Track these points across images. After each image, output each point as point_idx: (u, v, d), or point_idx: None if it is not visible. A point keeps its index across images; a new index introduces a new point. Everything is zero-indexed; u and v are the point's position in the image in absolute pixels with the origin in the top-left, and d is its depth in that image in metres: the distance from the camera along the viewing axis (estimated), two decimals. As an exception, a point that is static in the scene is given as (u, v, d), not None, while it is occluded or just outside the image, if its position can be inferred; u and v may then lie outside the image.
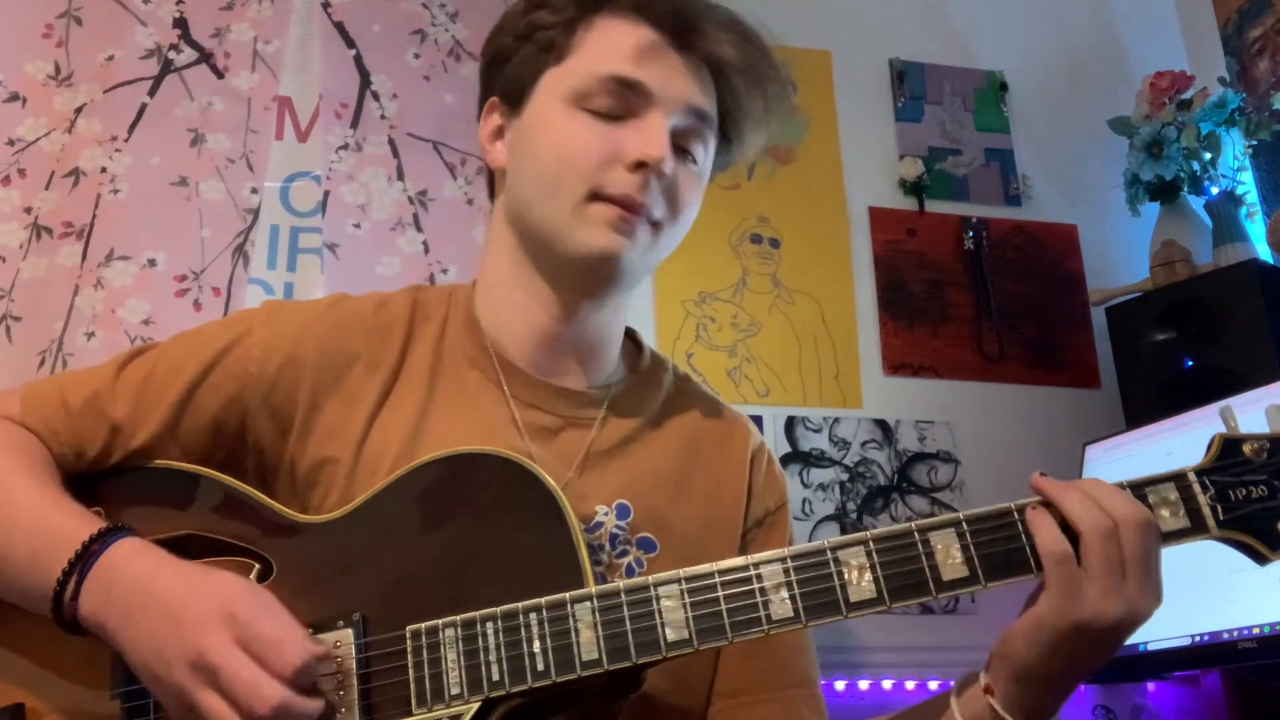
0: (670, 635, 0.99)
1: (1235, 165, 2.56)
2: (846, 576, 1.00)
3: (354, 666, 1.03)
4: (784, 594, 1.00)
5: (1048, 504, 1.00)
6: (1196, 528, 1.00)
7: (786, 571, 1.00)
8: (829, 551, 1.00)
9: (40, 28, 2.28)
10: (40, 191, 2.19)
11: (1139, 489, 1.01)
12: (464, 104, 2.47)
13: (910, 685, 2.30)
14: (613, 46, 1.20)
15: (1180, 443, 2.05)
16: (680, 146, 1.22)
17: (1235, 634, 1.85)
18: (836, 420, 2.51)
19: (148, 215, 2.22)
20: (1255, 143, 2.54)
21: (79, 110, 2.25)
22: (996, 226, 2.75)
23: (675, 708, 1.21)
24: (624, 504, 1.23)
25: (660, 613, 1.00)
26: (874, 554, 1.00)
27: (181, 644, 0.96)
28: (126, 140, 2.25)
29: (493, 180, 1.36)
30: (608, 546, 1.20)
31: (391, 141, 2.41)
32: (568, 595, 1.01)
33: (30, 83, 2.24)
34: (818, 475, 2.45)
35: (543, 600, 1.01)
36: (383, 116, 2.42)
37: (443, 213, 2.39)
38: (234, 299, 2.22)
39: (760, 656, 1.24)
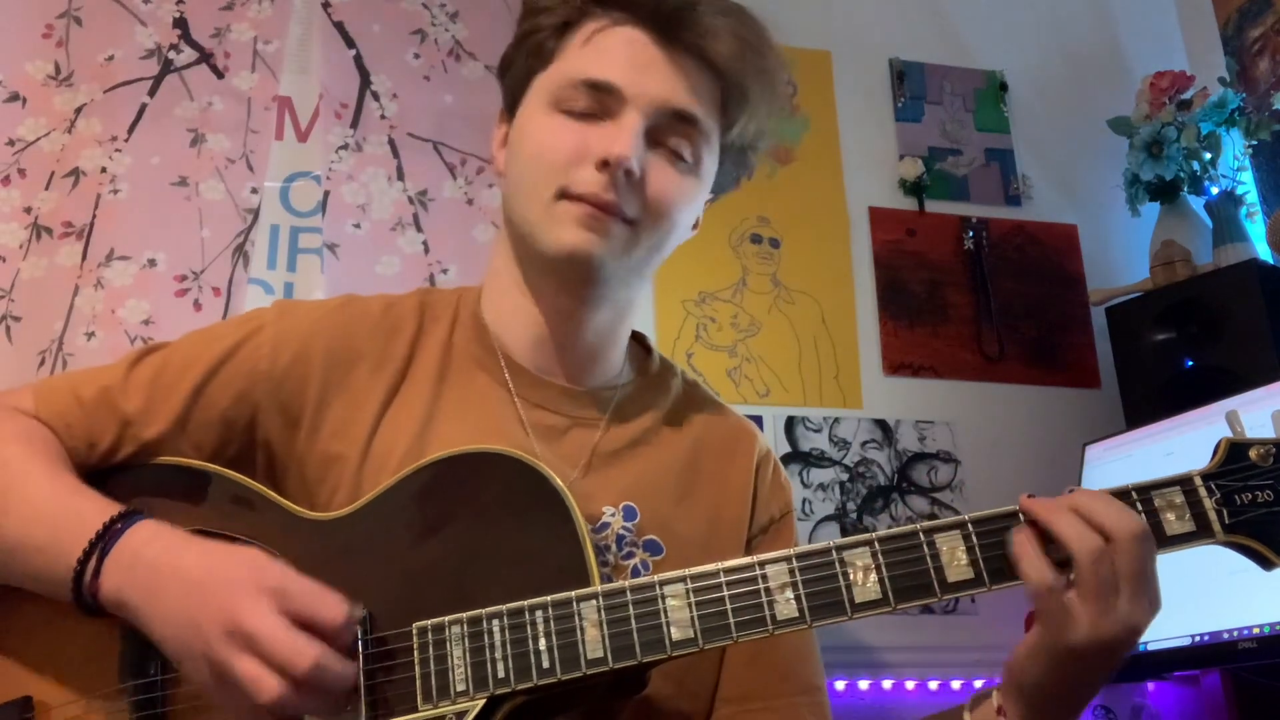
0: (675, 634, 0.99)
1: (1235, 165, 2.57)
2: (852, 577, 1.00)
3: (361, 663, 1.03)
4: (789, 594, 1.00)
5: (1033, 522, 0.99)
6: (1202, 532, 0.99)
7: (792, 572, 1.00)
8: (834, 552, 1.01)
9: (40, 28, 2.28)
10: (40, 191, 2.19)
11: (1145, 493, 1.01)
12: (464, 104, 2.47)
13: (910, 685, 2.30)
14: (593, 48, 1.21)
15: (1180, 443, 2.06)
16: (663, 145, 1.21)
17: (1235, 634, 1.85)
18: (836, 420, 2.51)
19: (148, 215, 2.22)
20: (1255, 143, 2.54)
21: (79, 110, 2.25)
22: (996, 226, 2.75)
23: (677, 712, 1.21)
24: (630, 506, 1.23)
25: (665, 612, 1.00)
26: (879, 555, 1.00)
27: (214, 611, 0.96)
28: (126, 140, 2.25)
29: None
30: (614, 548, 1.21)
31: (391, 141, 2.41)
32: (573, 593, 1.01)
33: (30, 83, 2.24)
34: (818, 475, 2.45)
35: (548, 598, 1.01)
36: (383, 116, 2.42)
37: (443, 213, 2.39)
38: (234, 299, 2.22)
39: (764, 663, 1.25)
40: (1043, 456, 2.50)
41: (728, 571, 1.01)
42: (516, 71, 1.27)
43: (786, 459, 2.43)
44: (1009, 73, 2.89)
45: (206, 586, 0.98)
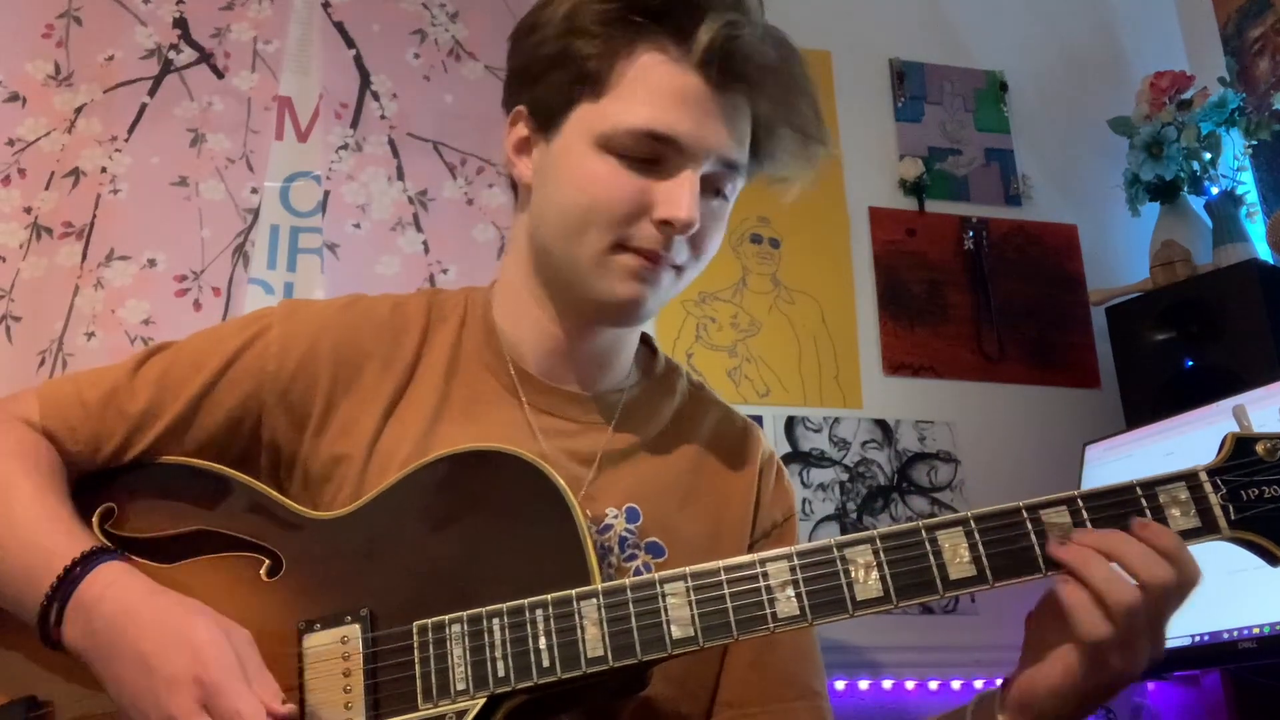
0: (676, 633, 0.99)
1: (1235, 165, 2.57)
2: (853, 575, 1.00)
3: (361, 661, 1.04)
4: (790, 592, 1.00)
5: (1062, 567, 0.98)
6: (1208, 528, 0.99)
7: (793, 570, 1.00)
8: (835, 550, 1.00)
9: (40, 28, 2.28)
10: (40, 191, 2.19)
11: (1149, 488, 1.00)
12: (464, 104, 2.47)
13: (910, 685, 2.30)
14: (650, 92, 1.15)
15: (1180, 443, 2.06)
16: (710, 188, 1.20)
17: (1235, 634, 1.85)
18: (836, 420, 2.51)
19: (148, 215, 2.22)
20: (1255, 143, 2.54)
21: (79, 110, 2.25)
22: (996, 226, 2.75)
23: (677, 713, 1.21)
24: (633, 508, 1.23)
25: (666, 610, 1.00)
26: (881, 553, 1.00)
27: (155, 702, 0.97)
28: (126, 140, 2.25)
29: (515, 185, 1.32)
30: (616, 549, 1.21)
31: (391, 141, 2.41)
32: (574, 592, 1.01)
33: (30, 83, 2.24)
34: (818, 475, 2.45)
35: (549, 597, 1.02)
36: (383, 116, 2.42)
37: (443, 213, 2.39)
38: (234, 299, 2.22)
39: (765, 667, 1.25)
40: (1043, 456, 2.50)
41: (728, 570, 1.01)
42: (553, 90, 1.20)
43: (786, 459, 2.43)
44: (1009, 73, 2.89)
45: (152, 670, 0.98)
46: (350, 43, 2.44)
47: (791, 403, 2.49)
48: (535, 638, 1.00)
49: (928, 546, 1.00)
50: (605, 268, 1.17)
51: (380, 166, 2.39)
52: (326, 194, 2.32)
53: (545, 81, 1.21)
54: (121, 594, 1.03)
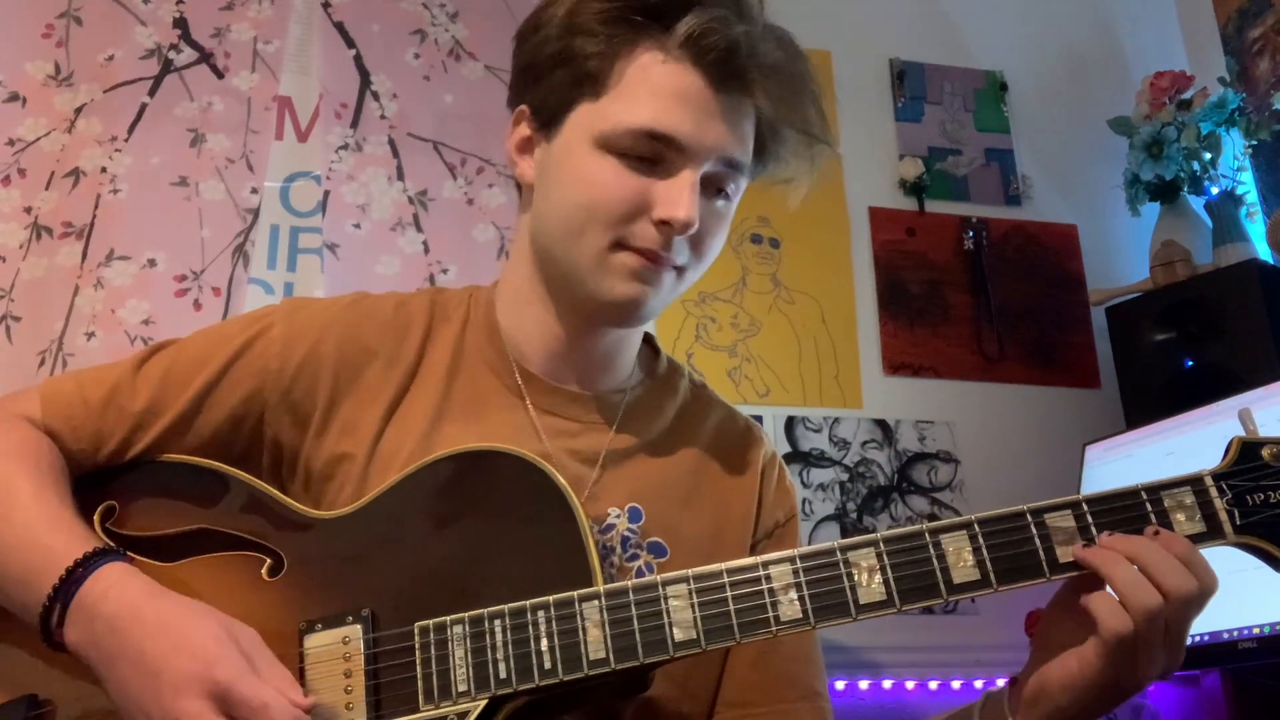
0: (678, 635, 0.99)
1: (1235, 165, 2.56)
2: (856, 578, 1.00)
3: (363, 662, 1.03)
4: (793, 595, 1.00)
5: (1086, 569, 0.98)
6: (1213, 533, 0.99)
7: (796, 572, 1.00)
8: (839, 552, 1.00)
9: (40, 28, 2.28)
10: (40, 191, 2.19)
11: (1154, 493, 1.00)
12: (464, 104, 2.47)
13: (910, 685, 2.30)
14: (651, 91, 1.15)
15: (1181, 443, 2.05)
16: (711, 187, 1.20)
17: (1235, 634, 1.85)
18: (836, 420, 2.51)
19: (148, 215, 2.21)
20: (1255, 143, 2.54)
21: (79, 110, 2.25)
22: (996, 226, 2.75)
23: (679, 714, 1.21)
24: (636, 508, 1.23)
25: (668, 612, 1.00)
26: (884, 555, 1.00)
27: (160, 706, 0.96)
28: (126, 140, 2.25)
29: (519, 185, 1.32)
30: (619, 549, 1.21)
31: (391, 141, 2.41)
32: (576, 594, 1.01)
33: (30, 83, 2.24)
34: (818, 475, 2.45)
35: (551, 598, 1.02)
36: (383, 116, 2.42)
37: (443, 213, 2.39)
38: (234, 299, 2.21)
39: (767, 667, 1.25)
40: (1043, 456, 2.50)
41: (731, 572, 1.01)
42: (555, 89, 1.20)
43: (786, 459, 2.42)
44: (1009, 73, 2.89)
45: (157, 673, 0.97)
46: (350, 43, 2.44)
47: (791, 403, 2.49)
48: (537, 639, 1.00)
49: (931, 550, 1.00)
50: (605, 267, 1.17)
51: (380, 166, 2.39)
52: (326, 194, 2.32)
53: (547, 81, 1.21)
54: (124, 595, 1.03)
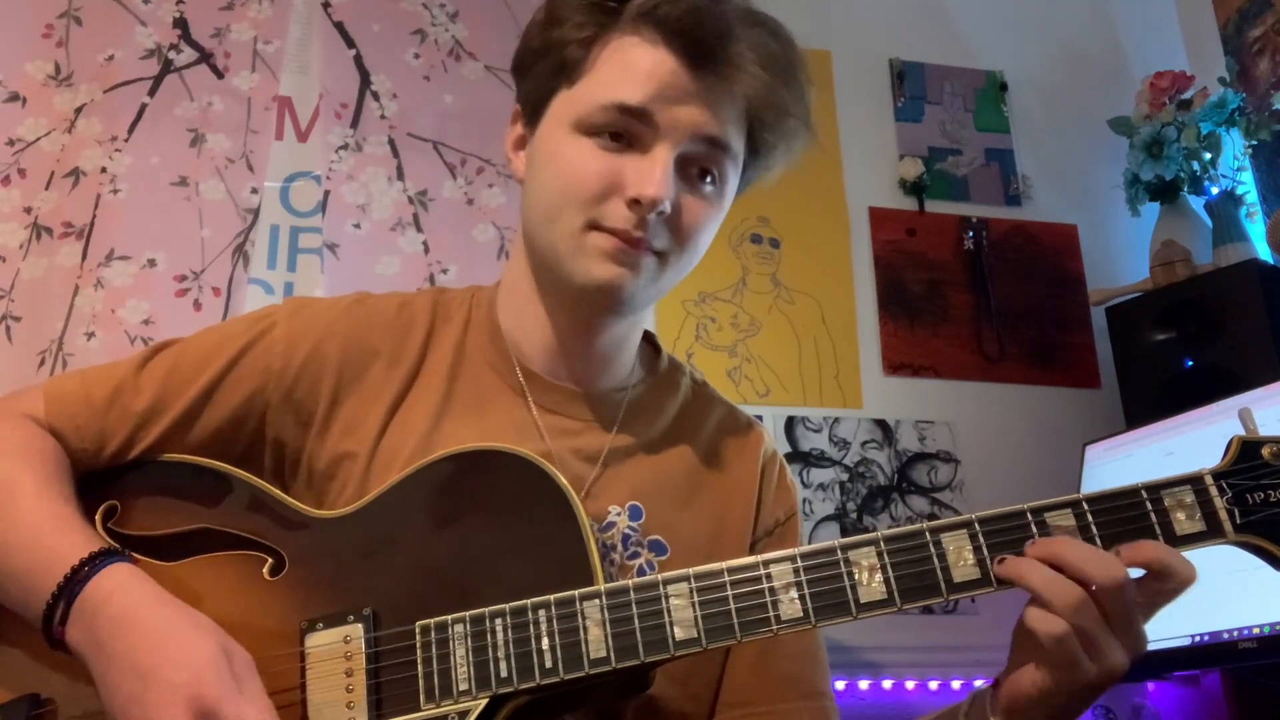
0: (679, 634, 0.99)
1: (1235, 165, 2.57)
2: (857, 577, 0.99)
3: (364, 661, 1.03)
4: (793, 594, 1.00)
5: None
6: (1213, 532, 0.98)
7: (796, 571, 1.00)
8: (839, 551, 1.00)
9: (40, 28, 2.28)
10: (40, 191, 2.19)
11: (1154, 492, 1.00)
12: (464, 104, 2.47)
13: (910, 685, 2.30)
14: (623, 69, 1.16)
15: (1180, 443, 2.06)
16: (691, 170, 1.19)
17: (1235, 634, 1.85)
18: (836, 420, 2.51)
19: (148, 215, 2.22)
20: (1255, 143, 2.54)
21: (79, 110, 2.25)
22: (996, 226, 2.75)
23: (680, 713, 1.21)
24: (636, 505, 1.23)
25: (669, 611, 1.00)
26: (885, 554, 1.00)
27: (144, 714, 0.96)
28: (126, 140, 2.25)
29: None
30: (620, 547, 1.21)
31: (391, 141, 2.41)
32: (577, 593, 1.01)
33: (30, 83, 2.24)
34: (818, 475, 2.45)
35: (552, 597, 1.01)
36: (383, 116, 2.42)
37: (443, 213, 2.39)
38: (234, 299, 2.22)
39: (768, 667, 1.24)
40: (1043, 456, 2.50)
41: (732, 571, 1.01)
42: (537, 82, 1.22)
43: (787, 459, 2.41)
44: (1009, 73, 2.89)
45: (148, 681, 0.96)
46: (350, 43, 2.44)
47: (791, 403, 2.49)
48: (538, 638, 1.00)
49: (932, 549, 0.99)
50: (580, 250, 1.17)
51: (380, 166, 2.39)
52: (326, 194, 2.32)
53: (531, 75, 1.23)
54: (128, 599, 1.03)
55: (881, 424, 2.53)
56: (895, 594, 0.99)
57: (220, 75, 2.35)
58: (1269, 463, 0.99)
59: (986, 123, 2.84)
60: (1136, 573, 0.97)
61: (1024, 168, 2.83)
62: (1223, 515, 0.99)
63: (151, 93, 2.30)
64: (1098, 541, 0.99)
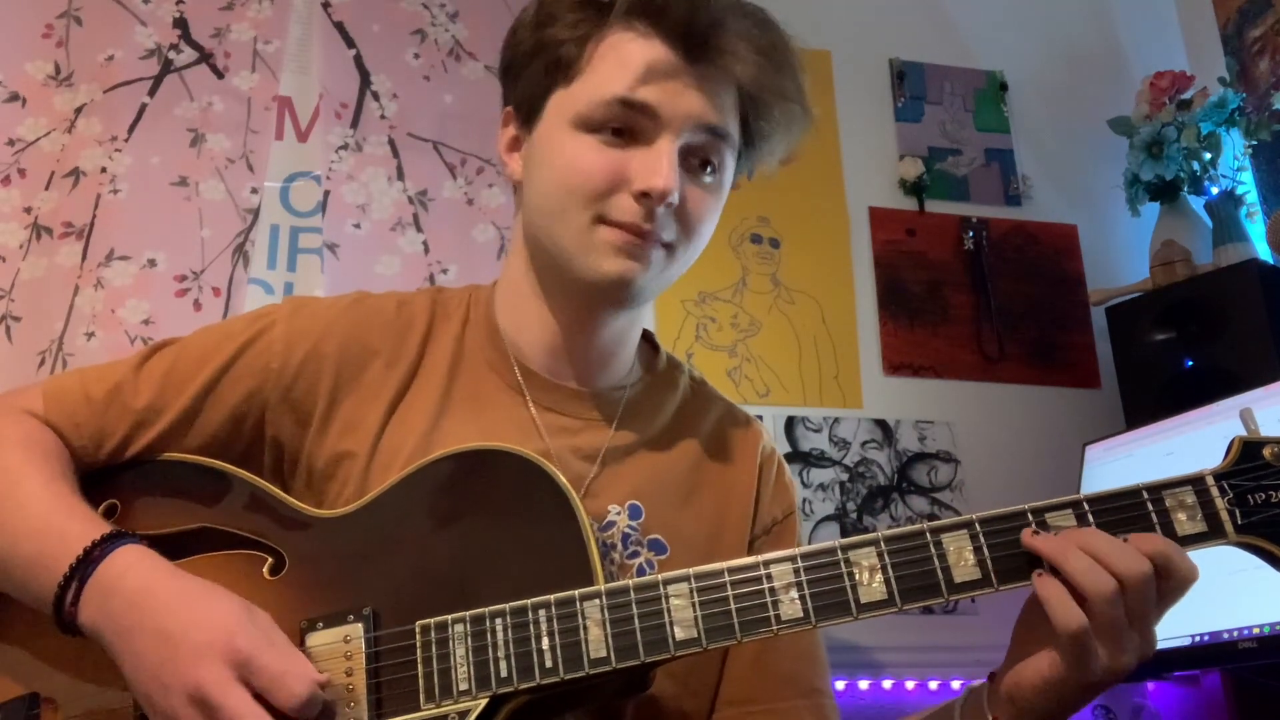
0: (679, 634, 0.99)
1: (1235, 165, 2.57)
2: (857, 577, 1.00)
3: (364, 661, 1.04)
4: (794, 594, 1.00)
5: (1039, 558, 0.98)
6: (1214, 532, 0.98)
7: (797, 572, 1.00)
8: (840, 552, 1.00)
9: (40, 28, 2.28)
10: (40, 191, 2.19)
11: (1155, 492, 1.00)
12: (464, 104, 2.47)
13: (910, 685, 2.30)
14: (621, 64, 1.17)
15: (1181, 443, 2.06)
16: (693, 159, 1.19)
17: (1235, 634, 1.85)
18: (836, 420, 2.51)
19: (148, 215, 2.21)
20: (1255, 143, 2.54)
21: (79, 110, 2.25)
22: (996, 226, 2.75)
23: (680, 711, 1.21)
24: (636, 504, 1.23)
25: (669, 611, 1.00)
26: (885, 555, 1.00)
27: (178, 673, 0.96)
28: (126, 140, 2.25)
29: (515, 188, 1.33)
30: (619, 546, 1.21)
31: (391, 141, 2.41)
32: (577, 593, 1.01)
33: (30, 83, 2.24)
34: (818, 475, 2.45)
35: (552, 597, 1.02)
36: (383, 116, 2.42)
37: (443, 213, 2.39)
38: (234, 299, 2.22)
39: (767, 666, 1.25)
40: (1043, 456, 2.50)
41: (732, 571, 1.01)
42: (531, 82, 1.22)
43: (786, 459, 2.41)
44: (1009, 73, 2.89)
45: (177, 643, 0.97)
46: (350, 43, 2.44)
47: (791, 403, 2.49)
48: (538, 638, 1.00)
49: (932, 549, 1.00)
50: (589, 245, 1.17)
51: (380, 166, 2.39)
52: (326, 194, 2.32)
53: (524, 76, 1.23)
54: (142, 573, 1.04)
55: (881, 424, 2.53)
56: (896, 594, 0.99)
57: (220, 75, 2.35)
58: (1270, 463, 0.99)
59: (986, 123, 2.84)
60: None
61: (1024, 168, 2.83)
62: (1224, 516, 0.99)
63: (151, 93, 2.30)
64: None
